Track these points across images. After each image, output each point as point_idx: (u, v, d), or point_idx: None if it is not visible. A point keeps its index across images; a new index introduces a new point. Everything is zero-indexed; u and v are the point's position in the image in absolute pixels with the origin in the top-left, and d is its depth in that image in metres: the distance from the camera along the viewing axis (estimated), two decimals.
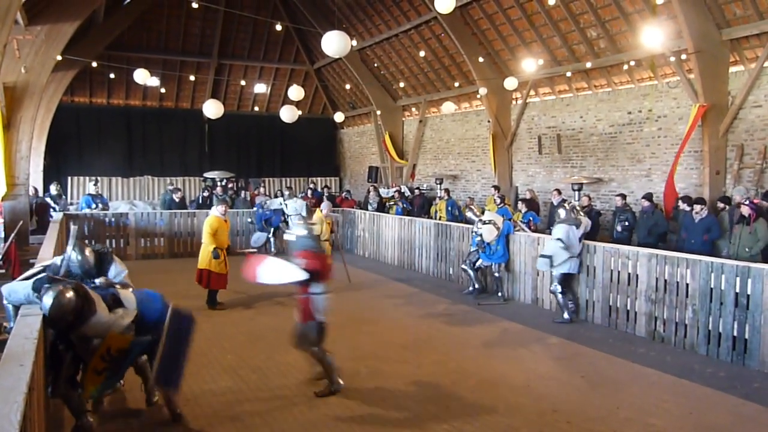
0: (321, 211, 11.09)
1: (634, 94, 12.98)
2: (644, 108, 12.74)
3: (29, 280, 4.48)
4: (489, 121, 16.50)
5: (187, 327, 4.93)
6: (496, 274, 10.06)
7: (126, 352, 4.39)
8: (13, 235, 9.42)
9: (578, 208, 9.67)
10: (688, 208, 9.56)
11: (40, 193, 15.36)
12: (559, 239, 8.55)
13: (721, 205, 9.91)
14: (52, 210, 14.48)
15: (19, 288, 4.48)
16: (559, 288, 8.70)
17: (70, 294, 4.04)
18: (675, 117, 12.05)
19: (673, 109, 12.11)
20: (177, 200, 15.49)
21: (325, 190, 19.44)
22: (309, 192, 18.59)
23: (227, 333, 7.91)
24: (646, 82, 12.74)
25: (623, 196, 11.14)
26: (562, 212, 8.97)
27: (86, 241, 5.79)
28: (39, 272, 4.74)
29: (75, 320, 4.07)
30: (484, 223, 9.90)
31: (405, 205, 16.20)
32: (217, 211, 9.35)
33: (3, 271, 9.06)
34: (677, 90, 11.95)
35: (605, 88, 13.71)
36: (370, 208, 16.50)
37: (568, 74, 14.12)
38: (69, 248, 4.97)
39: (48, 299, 4.00)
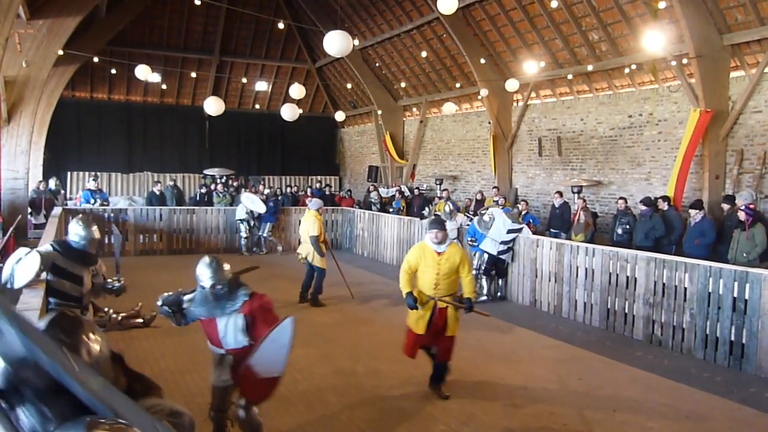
0: (310, 209, 9.79)
1: (635, 98, 13.00)
2: (645, 111, 12.75)
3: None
4: (490, 123, 16.50)
5: None
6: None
7: None
8: (11, 229, 9.41)
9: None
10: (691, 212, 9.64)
11: (51, 187, 15.38)
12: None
13: (726, 206, 9.88)
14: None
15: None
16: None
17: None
18: (675, 121, 12.06)
19: (674, 113, 12.12)
20: (157, 192, 15.55)
21: (327, 189, 19.45)
22: (309, 190, 18.60)
23: None
24: (647, 86, 12.76)
25: (624, 200, 11.16)
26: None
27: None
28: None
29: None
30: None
31: (397, 206, 16.33)
32: (428, 238, 5.83)
33: (2, 264, 9.06)
34: (678, 94, 11.96)
35: (606, 91, 13.72)
36: (373, 208, 16.51)
37: (570, 77, 14.13)
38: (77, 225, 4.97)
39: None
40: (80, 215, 5.32)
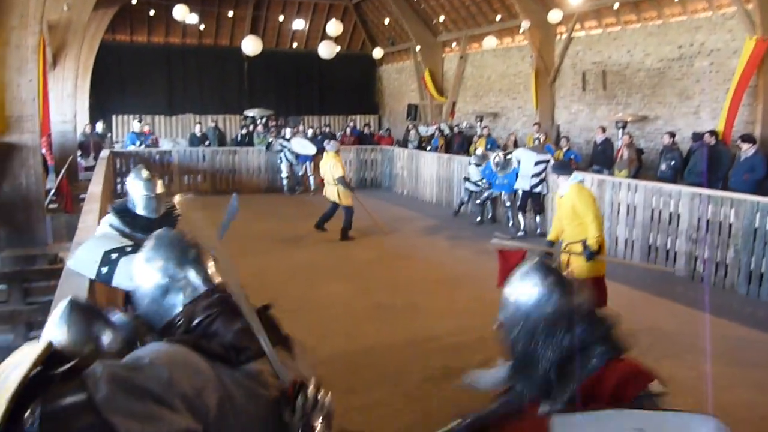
0: (328, 151, 9.93)
1: (686, 27, 12.37)
2: (696, 41, 12.15)
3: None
4: (532, 57, 16.01)
5: None
6: (507, 203, 10.53)
7: None
8: (63, 170, 9.77)
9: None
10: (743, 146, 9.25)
11: (98, 130, 15.86)
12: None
13: (745, 145, 9.21)
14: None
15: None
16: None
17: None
18: (729, 51, 11.47)
19: (728, 43, 11.52)
20: (198, 134, 15.97)
21: (366, 128, 19.44)
22: (348, 130, 18.58)
23: (269, 267, 8.16)
24: (700, 14, 12.10)
25: (672, 135, 10.81)
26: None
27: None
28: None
29: None
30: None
31: (435, 144, 16.28)
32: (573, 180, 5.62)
33: (56, 205, 9.47)
34: (733, 21, 11.33)
35: (655, 21, 13.08)
36: (410, 146, 16.47)
37: (616, 6, 13.50)
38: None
39: None
40: (138, 166, 4.16)
